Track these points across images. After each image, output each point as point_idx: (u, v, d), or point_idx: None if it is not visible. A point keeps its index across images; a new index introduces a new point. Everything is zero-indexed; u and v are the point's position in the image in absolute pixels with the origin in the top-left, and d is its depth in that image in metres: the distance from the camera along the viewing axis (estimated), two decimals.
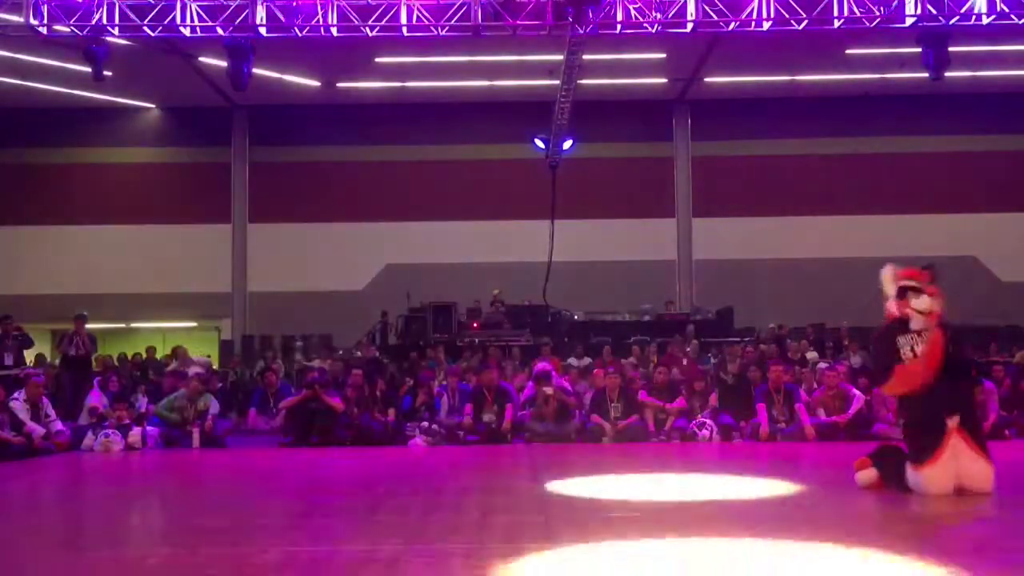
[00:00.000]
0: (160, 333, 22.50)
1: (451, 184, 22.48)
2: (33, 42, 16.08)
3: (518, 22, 14.41)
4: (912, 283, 6.54)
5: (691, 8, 14.34)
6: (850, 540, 4.65)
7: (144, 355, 17.46)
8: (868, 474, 6.68)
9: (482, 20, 14.36)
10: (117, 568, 4.48)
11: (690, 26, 14.56)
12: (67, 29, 14.44)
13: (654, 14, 14.45)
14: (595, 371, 13.97)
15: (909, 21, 14.50)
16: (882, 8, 14.37)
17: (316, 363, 16.41)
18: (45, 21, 14.30)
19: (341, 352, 17.57)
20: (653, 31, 14.78)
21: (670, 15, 14.40)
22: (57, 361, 16.65)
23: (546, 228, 20.05)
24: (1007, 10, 14.33)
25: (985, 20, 14.47)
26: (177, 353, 16.38)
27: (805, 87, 21.34)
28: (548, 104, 18.93)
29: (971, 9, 14.36)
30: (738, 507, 6.11)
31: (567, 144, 19.78)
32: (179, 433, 12.12)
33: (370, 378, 13.30)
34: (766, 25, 14.68)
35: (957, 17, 14.35)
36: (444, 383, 13.47)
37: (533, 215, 20.81)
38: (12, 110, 21.59)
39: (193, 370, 14.66)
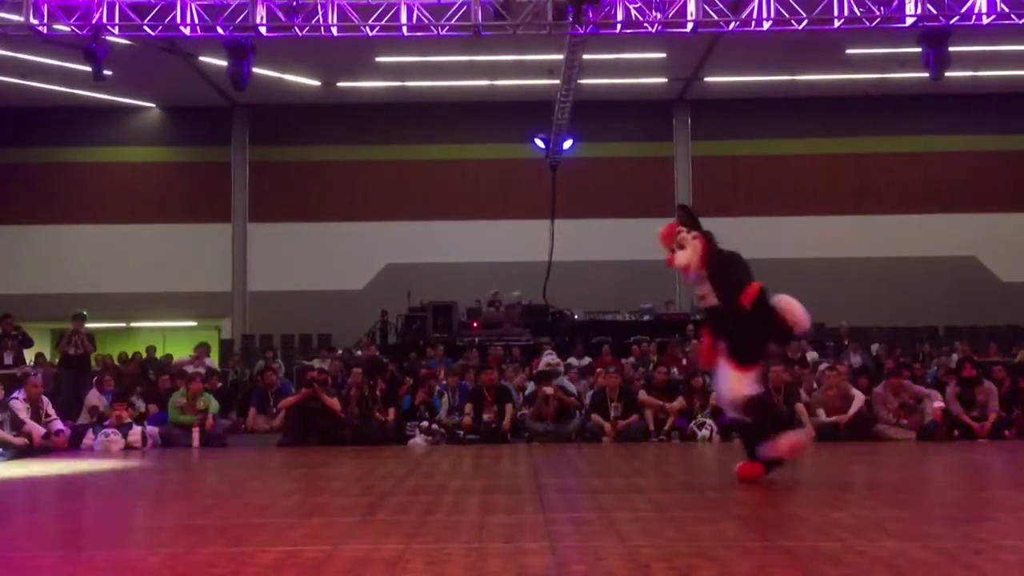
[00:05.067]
0: (160, 333, 22.50)
1: (451, 184, 22.49)
2: (33, 41, 16.08)
3: (518, 22, 14.42)
4: (670, 245, 7.03)
5: (691, 8, 14.35)
6: None
7: (144, 355, 17.48)
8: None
9: (482, 20, 14.36)
10: (117, 568, 4.48)
11: (690, 26, 14.57)
12: (67, 28, 14.45)
13: (654, 14, 14.45)
14: (596, 371, 14.00)
15: (909, 21, 14.50)
16: (882, 8, 14.37)
17: (316, 363, 16.42)
18: (45, 20, 14.30)
19: (341, 352, 17.58)
20: (653, 31, 14.78)
21: (670, 15, 14.40)
22: (56, 360, 16.68)
23: (546, 228, 20.05)
24: (1007, 10, 14.34)
25: (985, 20, 14.47)
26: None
27: (805, 87, 21.35)
28: (548, 104, 18.93)
29: (971, 9, 14.37)
30: None
31: (567, 144, 19.78)
32: (179, 432, 12.16)
33: (370, 377, 13.32)
34: (766, 25, 14.68)
35: (957, 17, 14.36)
36: (444, 382, 13.50)
37: (533, 215, 20.82)
38: (12, 109, 21.59)
39: (193, 369, 14.68)
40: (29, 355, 16.24)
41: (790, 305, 7.03)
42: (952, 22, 14.37)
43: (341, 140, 22.65)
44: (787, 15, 14.56)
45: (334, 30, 14.54)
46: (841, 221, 22.18)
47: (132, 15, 14.33)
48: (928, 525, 5.25)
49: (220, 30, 14.46)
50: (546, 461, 9.71)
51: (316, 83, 20.92)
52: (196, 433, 12.07)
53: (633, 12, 14.47)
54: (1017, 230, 21.98)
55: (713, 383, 7.23)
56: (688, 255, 6.94)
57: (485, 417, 12.48)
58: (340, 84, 21.13)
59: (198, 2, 14.36)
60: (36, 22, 14.23)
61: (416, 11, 14.43)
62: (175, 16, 14.30)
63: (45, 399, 11.62)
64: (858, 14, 14.53)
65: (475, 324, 18.77)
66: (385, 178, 22.55)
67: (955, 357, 15.40)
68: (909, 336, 19.45)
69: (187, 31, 14.52)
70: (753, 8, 14.54)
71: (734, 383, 6.83)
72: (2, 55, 18.21)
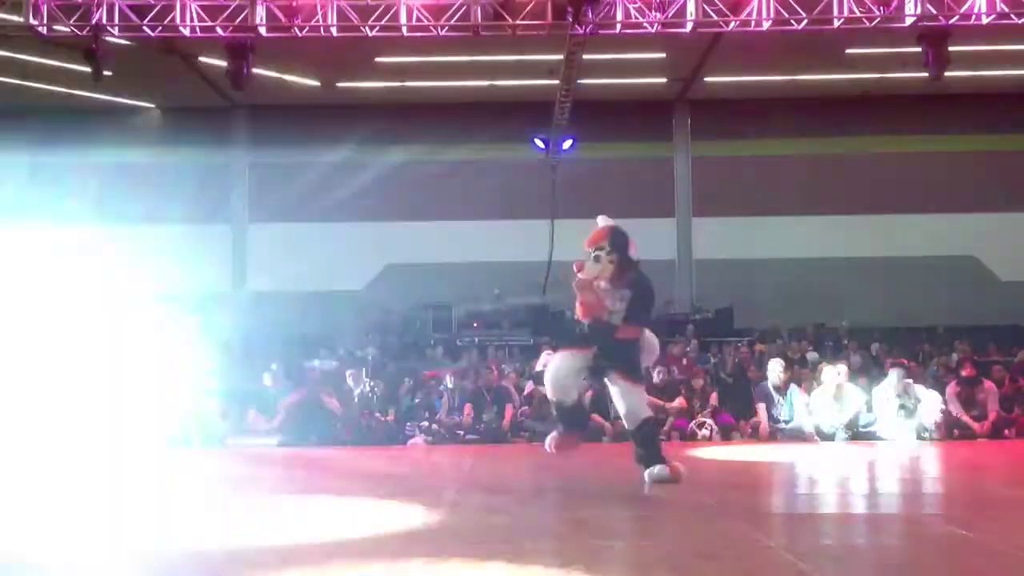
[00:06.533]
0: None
1: (451, 184, 22.45)
2: (32, 41, 16.06)
3: (518, 22, 14.42)
4: (592, 252, 7.50)
5: (691, 8, 14.35)
6: None
7: None
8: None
9: (482, 20, 14.36)
10: (116, 567, 4.48)
11: (690, 26, 14.57)
12: (67, 29, 14.45)
13: (654, 14, 14.45)
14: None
15: (909, 21, 14.50)
16: (882, 8, 14.37)
17: (316, 363, 16.42)
18: (45, 20, 14.30)
19: (342, 352, 17.58)
20: (653, 31, 14.78)
21: (670, 15, 14.40)
22: None
23: (546, 228, 20.04)
24: (1007, 10, 14.33)
25: (985, 20, 14.47)
26: None
27: (805, 87, 21.33)
28: (548, 104, 18.92)
29: (971, 9, 14.37)
30: None
31: (567, 144, 19.78)
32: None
33: (370, 377, 13.33)
34: (766, 25, 14.68)
35: (957, 17, 14.36)
36: (445, 382, 13.50)
37: (533, 215, 20.80)
38: (11, 109, 21.56)
39: None
40: None
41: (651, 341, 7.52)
42: (952, 22, 14.37)
43: (341, 140, 22.61)
44: (787, 15, 14.56)
45: (334, 30, 14.54)
46: (841, 221, 22.15)
47: (132, 15, 14.33)
48: (928, 523, 5.25)
49: (220, 30, 14.46)
50: (546, 461, 9.70)
51: (316, 83, 20.90)
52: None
53: (633, 12, 14.48)
54: (1017, 230, 21.94)
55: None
56: (594, 270, 7.45)
57: (485, 417, 12.49)
58: (340, 84, 21.10)
59: (198, 2, 14.36)
60: (36, 22, 14.23)
61: (416, 11, 14.44)
62: (175, 16, 14.30)
63: None
64: (858, 14, 14.52)
65: (475, 324, 18.77)
66: (385, 178, 22.49)
67: (955, 357, 15.41)
68: (909, 336, 19.44)
69: (187, 31, 14.51)
70: (753, 8, 14.54)
71: (638, 397, 7.17)
72: (2, 55, 18.18)
